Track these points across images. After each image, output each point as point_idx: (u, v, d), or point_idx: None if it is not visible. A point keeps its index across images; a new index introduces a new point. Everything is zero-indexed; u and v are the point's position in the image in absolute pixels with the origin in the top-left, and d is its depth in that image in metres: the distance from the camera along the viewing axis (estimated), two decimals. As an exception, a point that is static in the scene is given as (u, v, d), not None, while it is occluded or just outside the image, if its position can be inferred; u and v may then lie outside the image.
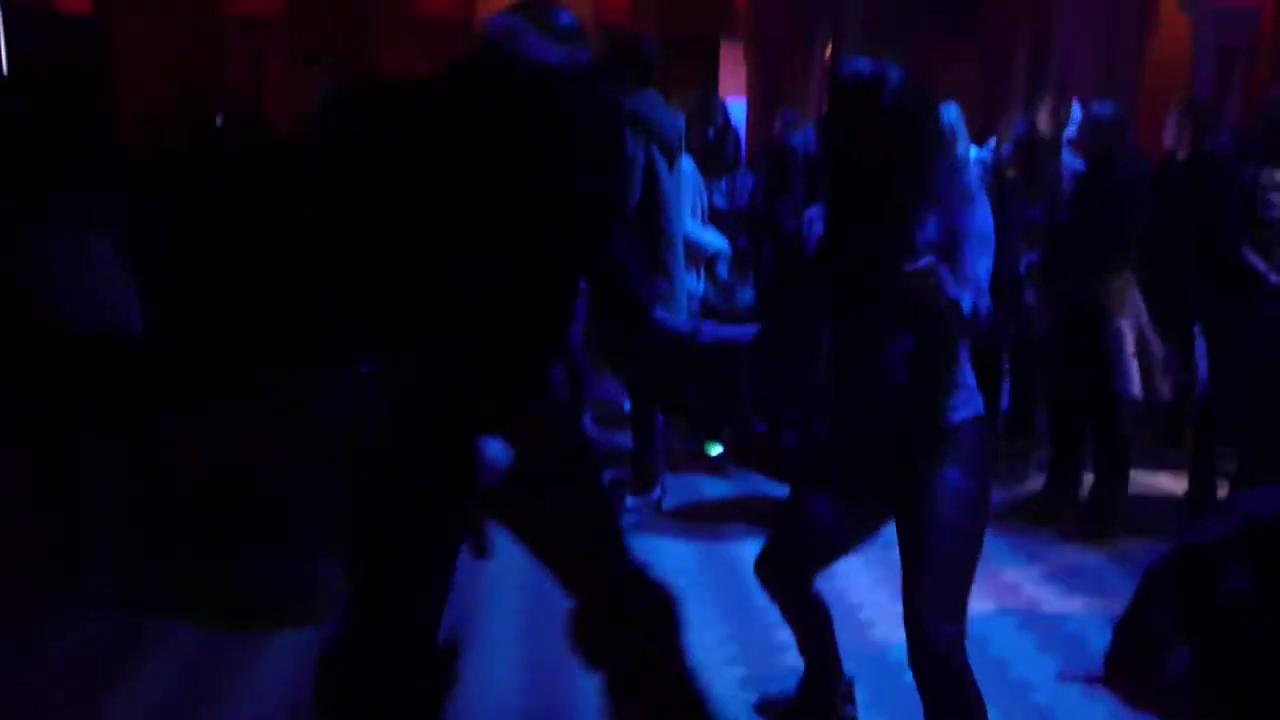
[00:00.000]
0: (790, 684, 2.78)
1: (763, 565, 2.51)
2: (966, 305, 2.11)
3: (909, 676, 2.32)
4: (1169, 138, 4.88)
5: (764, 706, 2.86)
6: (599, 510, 2.23)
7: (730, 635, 3.35)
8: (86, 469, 3.63)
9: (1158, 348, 4.07)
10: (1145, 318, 4.08)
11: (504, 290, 1.87)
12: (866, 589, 3.64)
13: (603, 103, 1.91)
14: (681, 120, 4.34)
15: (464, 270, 1.83)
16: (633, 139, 4.07)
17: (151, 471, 3.70)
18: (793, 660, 2.80)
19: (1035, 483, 4.69)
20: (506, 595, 3.57)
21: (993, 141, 5.20)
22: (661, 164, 4.16)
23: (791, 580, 2.52)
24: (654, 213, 4.17)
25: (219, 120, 4.61)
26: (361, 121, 1.82)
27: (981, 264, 2.19)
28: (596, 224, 2.03)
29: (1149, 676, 2.94)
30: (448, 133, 1.79)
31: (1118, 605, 3.19)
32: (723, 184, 5.18)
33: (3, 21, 8.19)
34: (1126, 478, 4.27)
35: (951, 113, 4.28)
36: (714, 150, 5.10)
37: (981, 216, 2.22)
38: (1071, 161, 4.63)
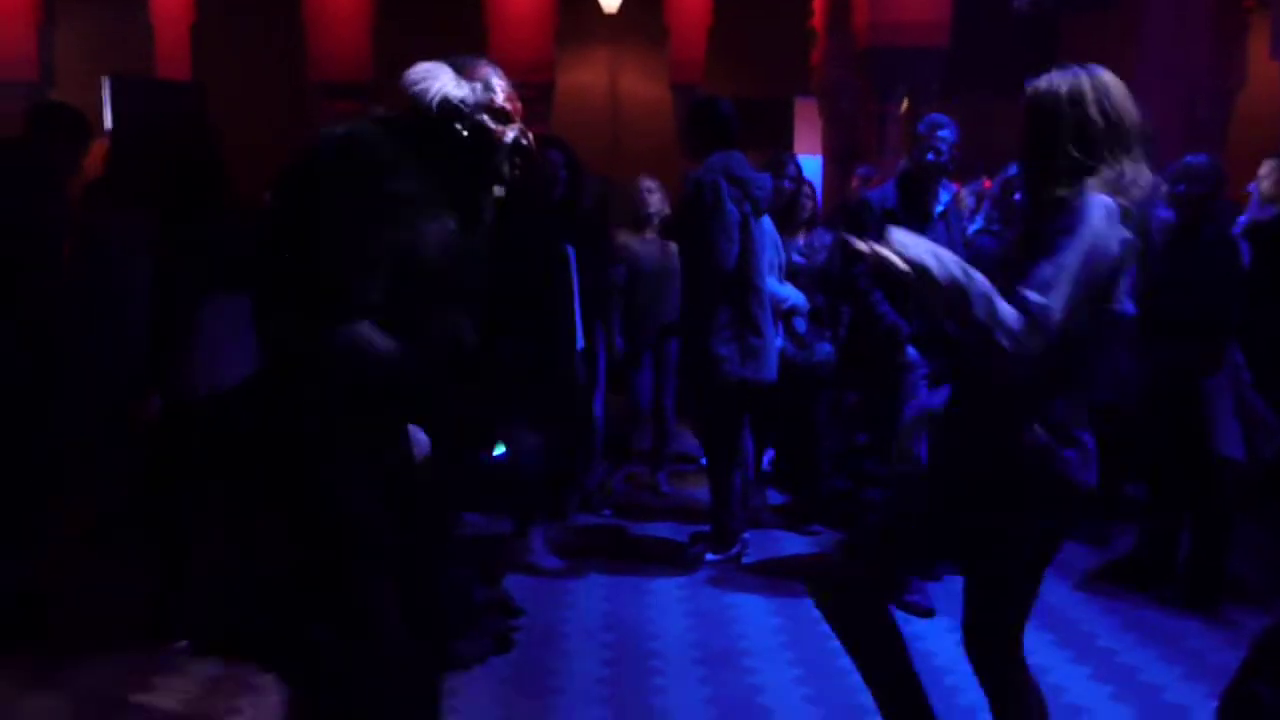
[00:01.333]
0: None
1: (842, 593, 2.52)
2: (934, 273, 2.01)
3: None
4: (1265, 189, 4.75)
5: None
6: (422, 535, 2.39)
7: (814, 695, 3.30)
8: (196, 525, 3.72)
9: (1260, 407, 3.93)
10: (1246, 376, 3.95)
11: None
12: (954, 648, 3.55)
13: (482, 135, 2.26)
14: (768, 179, 4.40)
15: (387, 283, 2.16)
16: (730, 198, 4.13)
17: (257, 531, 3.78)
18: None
19: (1123, 544, 4.56)
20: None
21: None
22: (753, 221, 4.23)
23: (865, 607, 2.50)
24: (746, 269, 4.22)
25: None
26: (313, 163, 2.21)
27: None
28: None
29: (1260, 754, 2.80)
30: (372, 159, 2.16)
31: (1222, 675, 3.06)
32: (799, 241, 5.19)
33: (110, 88, 8.63)
34: (1228, 542, 4.10)
35: None
36: (789, 208, 5.12)
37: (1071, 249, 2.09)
38: (1163, 213, 4.52)
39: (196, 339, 3.44)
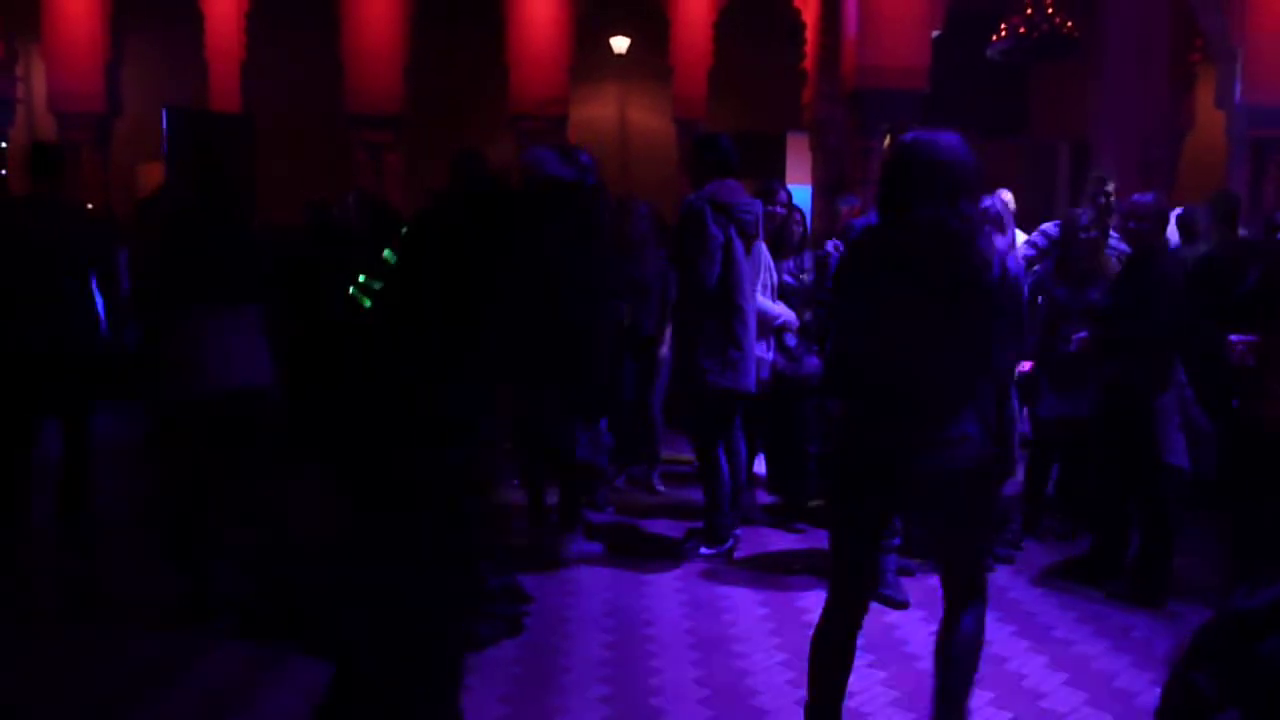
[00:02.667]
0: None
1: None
2: None
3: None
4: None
5: None
6: None
7: (796, 679, 3.29)
8: (215, 515, 3.72)
9: (1202, 421, 3.94)
10: (1189, 394, 3.96)
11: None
12: (927, 637, 3.56)
13: (596, 207, 2.53)
14: (759, 205, 4.41)
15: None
16: (715, 222, 4.13)
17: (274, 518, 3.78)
18: (855, 704, 2.75)
19: (1078, 546, 4.56)
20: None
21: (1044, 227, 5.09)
22: (739, 245, 4.22)
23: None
24: (728, 287, 4.21)
25: (351, 201, 4.77)
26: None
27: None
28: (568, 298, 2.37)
29: (1199, 737, 2.80)
30: (496, 229, 2.16)
31: (1166, 665, 3.06)
32: (789, 263, 5.19)
33: (166, 118, 8.68)
34: (1171, 543, 4.10)
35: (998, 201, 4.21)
36: (780, 232, 5.13)
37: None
38: (1118, 245, 4.54)
39: (208, 342, 3.46)
